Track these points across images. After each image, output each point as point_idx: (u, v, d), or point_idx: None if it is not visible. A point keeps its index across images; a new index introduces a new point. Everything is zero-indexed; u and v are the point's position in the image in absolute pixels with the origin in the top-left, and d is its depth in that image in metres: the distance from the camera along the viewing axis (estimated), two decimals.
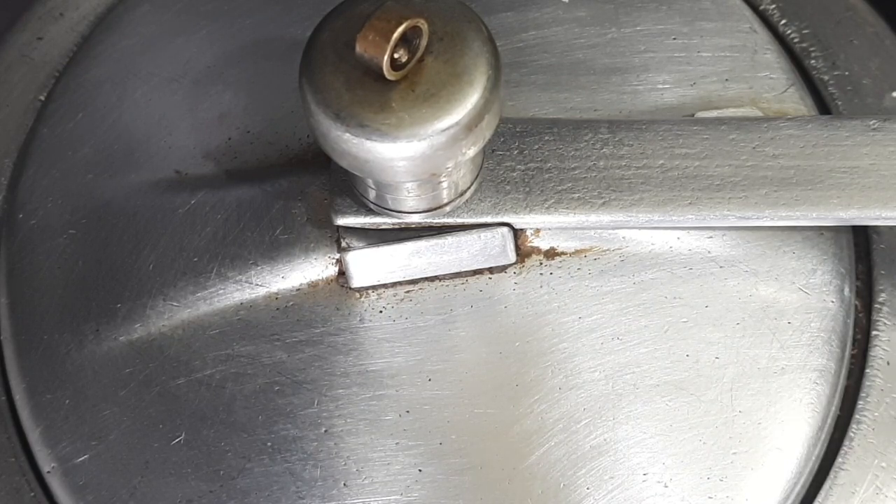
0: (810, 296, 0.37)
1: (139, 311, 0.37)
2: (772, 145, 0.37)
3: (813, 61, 0.42)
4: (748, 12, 0.41)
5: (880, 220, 0.36)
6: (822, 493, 0.36)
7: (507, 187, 0.37)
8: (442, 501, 0.35)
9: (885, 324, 0.38)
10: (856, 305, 0.38)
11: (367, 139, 0.32)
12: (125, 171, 0.39)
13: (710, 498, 0.35)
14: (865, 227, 0.39)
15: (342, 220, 0.36)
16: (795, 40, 0.42)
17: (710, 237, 0.38)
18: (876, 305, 0.38)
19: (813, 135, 0.37)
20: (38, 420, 0.37)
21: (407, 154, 0.32)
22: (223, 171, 0.39)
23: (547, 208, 0.36)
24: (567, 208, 0.36)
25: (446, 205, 0.36)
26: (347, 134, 0.32)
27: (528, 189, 0.36)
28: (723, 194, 0.36)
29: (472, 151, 0.33)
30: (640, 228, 0.37)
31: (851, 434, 0.37)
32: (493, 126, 0.33)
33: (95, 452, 0.36)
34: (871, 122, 0.37)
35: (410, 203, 0.36)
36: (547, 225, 0.37)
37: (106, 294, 0.38)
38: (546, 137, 0.37)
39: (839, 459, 0.37)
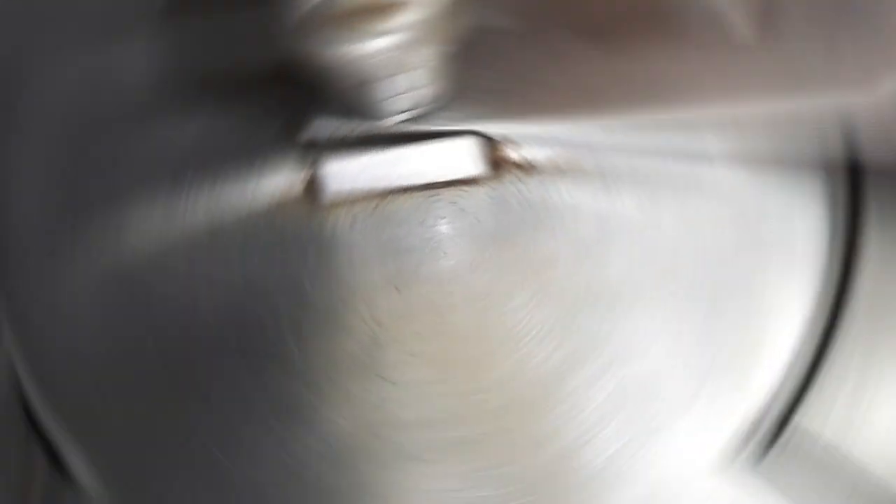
0: (796, 239, 0.36)
1: (115, 222, 0.37)
2: None
3: None
4: None
5: None
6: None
7: (479, 94, 0.36)
8: (410, 411, 0.35)
9: (868, 269, 0.37)
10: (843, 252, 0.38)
11: (335, 39, 0.32)
12: (100, 88, 0.39)
13: (682, 416, 0.34)
14: (857, 171, 0.38)
15: (312, 132, 0.36)
16: None
17: (700, 166, 0.37)
18: (856, 255, 0.37)
19: None
20: (15, 330, 0.37)
21: (376, 48, 0.32)
22: (198, 86, 0.39)
23: (519, 114, 0.36)
24: (540, 114, 0.36)
25: (417, 109, 0.35)
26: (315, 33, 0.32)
27: (502, 97, 0.36)
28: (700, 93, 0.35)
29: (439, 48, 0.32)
30: (617, 144, 0.36)
31: (835, 336, 0.36)
32: (461, 23, 0.32)
33: (65, 362, 0.36)
34: None
35: (382, 107, 0.35)
36: (520, 132, 0.36)
37: (82, 205, 0.37)
38: (518, 46, 0.36)
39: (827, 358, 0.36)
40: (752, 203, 0.36)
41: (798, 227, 0.36)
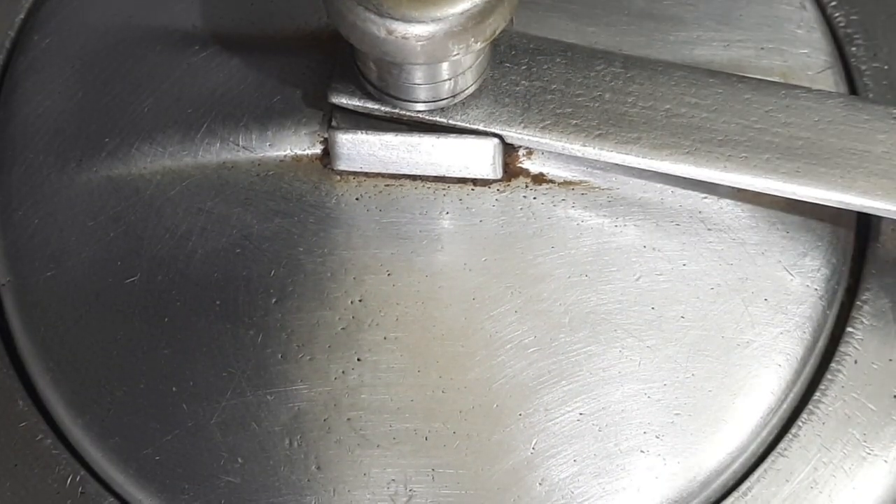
0: (794, 278, 0.36)
1: (124, 150, 0.37)
2: (785, 112, 0.36)
3: (854, 48, 0.40)
4: None
5: (880, 210, 0.35)
6: (756, 473, 0.35)
7: (507, 100, 0.36)
8: (380, 396, 0.35)
9: (862, 323, 0.37)
10: (842, 301, 0.37)
11: (380, 16, 0.32)
12: (144, 14, 0.39)
13: (642, 452, 0.34)
14: (868, 225, 0.38)
15: (337, 99, 0.36)
16: (841, 24, 0.41)
17: (706, 198, 0.37)
18: (858, 303, 0.37)
19: (830, 111, 0.36)
20: (4, 234, 0.37)
21: (419, 33, 0.32)
22: (237, 34, 0.39)
23: (542, 128, 0.36)
24: (562, 132, 0.36)
25: (444, 100, 0.35)
26: (361, 7, 0.32)
27: (527, 105, 0.36)
28: (723, 150, 0.35)
29: (479, 44, 0.33)
30: (630, 168, 0.36)
31: (800, 423, 0.36)
32: (505, 19, 0.32)
33: (51, 275, 0.36)
34: (894, 111, 0.36)
35: (410, 91, 0.35)
36: (539, 145, 0.36)
37: (97, 127, 0.38)
38: (557, 59, 0.36)
39: (781, 445, 0.35)
40: (754, 235, 0.36)
41: (795, 279, 0.36)
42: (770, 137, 0.35)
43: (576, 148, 0.36)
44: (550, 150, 0.36)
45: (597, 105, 0.36)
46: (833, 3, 0.41)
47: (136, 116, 0.38)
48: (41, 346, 0.36)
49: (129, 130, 0.38)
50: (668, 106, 0.36)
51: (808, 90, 0.36)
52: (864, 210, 0.36)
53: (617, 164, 0.36)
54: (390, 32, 0.31)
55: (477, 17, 0.32)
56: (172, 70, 0.38)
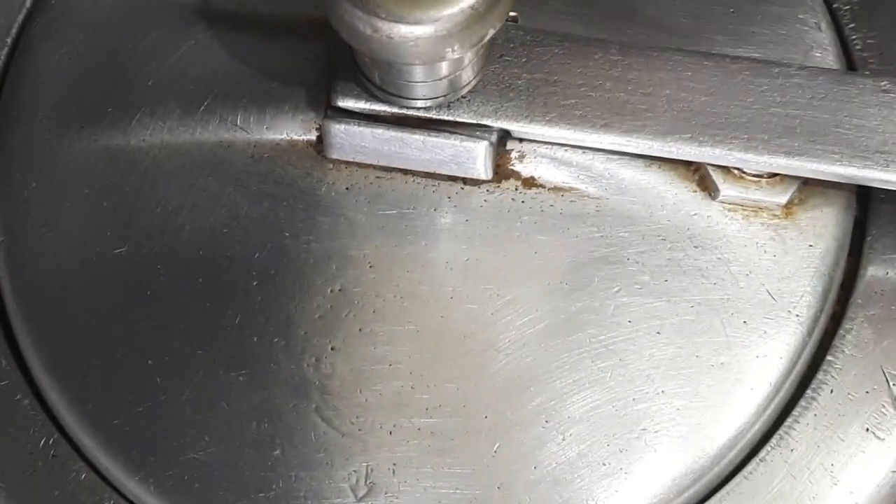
0: (776, 302, 0.36)
1: (125, 121, 0.38)
2: (780, 91, 0.36)
3: (868, 73, 0.40)
4: (820, 7, 0.40)
5: (878, 181, 0.35)
6: (719, 495, 0.35)
7: (511, 94, 0.36)
8: (352, 387, 0.35)
9: (843, 352, 0.36)
10: (826, 328, 0.37)
11: (365, 13, 0.32)
12: None
13: (604, 465, 0.35)
14: (860, 252, 0.38)
15: (339, 100, 0.36)
16: (858, 47, 0.40)
17: (695, 215, 0.37)
18: (841, 332, 0.37)
19: (822, 87, 0.36)
20: (0, 193, 0.38)
21: (403, 33, 0.32)
22: (244, 15, 0.39)
23: (548, 120, 0.36)
24: (568, 124, 0.36)
25: (444, 97, 0.36)
26: (348, 3, 0.32)
27: (531, 99, 0.36)
28: (725, 133, 0.35)
29: (469, 48, 0.32)
30: (634, 154, 0.36)
31: (769, 447, 0.35)
32: (494, 26, 0.32)
33: (40, 238, 0.37)
34: (883, 83, 0.36)
35: (408, 88, 0.35)
36: (545, 137, 0.36)
37: (101, 97, 0.38)
38: (555, 51, 0.36)
39: (748, 468, 0.35)
40: (740, 255, 0.36)
41: (777, 303, 0.36)
42: (768, 118, 0.35)
43: (582, 138, 0.36)
44: (556, 143, 0.36)
45: (599, 95, 0.36)
46: (851, 25, 0.40)
47: (140, 89, 0.38)
48: (26, 308, 0.36)
49: (131, 102, 0.38)
50: (667, 91, 0.36)
51: (801, 67, 0.36)
52: (863, 183, 0.36)
53: (608, 169, 0.37)
54: (375, 31, 0.31)
55: (464, 24, 0.31)
56: (178, 46, 0.39)
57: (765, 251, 0.36)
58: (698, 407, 0.35)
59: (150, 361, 0.35)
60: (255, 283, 0.36)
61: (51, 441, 0.36)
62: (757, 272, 0.36)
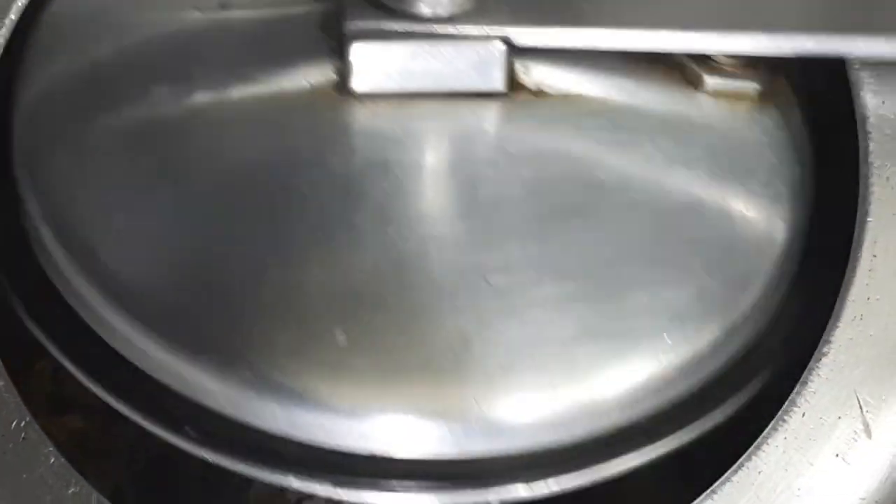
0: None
1: (144, 91, 0.39)
2: None
3: None
4: None
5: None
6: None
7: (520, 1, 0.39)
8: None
9: (819, 376, 0.36)
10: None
11: None
12: None
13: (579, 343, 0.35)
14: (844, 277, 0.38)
15: (352, 24, 0.38)
16: None
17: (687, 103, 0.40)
18: (817, 355, 0.37)
19: None
20: None
21: None
22: None
23: (561, 23, 0.38)
24: (579, 27, 0.38)
25: (449, 7, 0.38)
26: None
27: (540, 4, 0.39)
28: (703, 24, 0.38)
29: None
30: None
31: (736, 467, 0.35)
32: None
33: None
34: None
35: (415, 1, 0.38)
36: (557, 43, 0.38)
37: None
38: None
39: (713, 487, 0.35)
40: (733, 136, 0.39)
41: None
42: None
43: (587, 40, 0.38)
44: (563, 48, 0.38)
45: None
46: None
47: (161, 59, 0.40)
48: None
49: (153, 71, 0.39)
50: None
51: None
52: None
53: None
54: None
55: None
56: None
57: (748, 131, 0.39)
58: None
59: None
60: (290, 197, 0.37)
61: (22, 424, 0.36)
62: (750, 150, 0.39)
